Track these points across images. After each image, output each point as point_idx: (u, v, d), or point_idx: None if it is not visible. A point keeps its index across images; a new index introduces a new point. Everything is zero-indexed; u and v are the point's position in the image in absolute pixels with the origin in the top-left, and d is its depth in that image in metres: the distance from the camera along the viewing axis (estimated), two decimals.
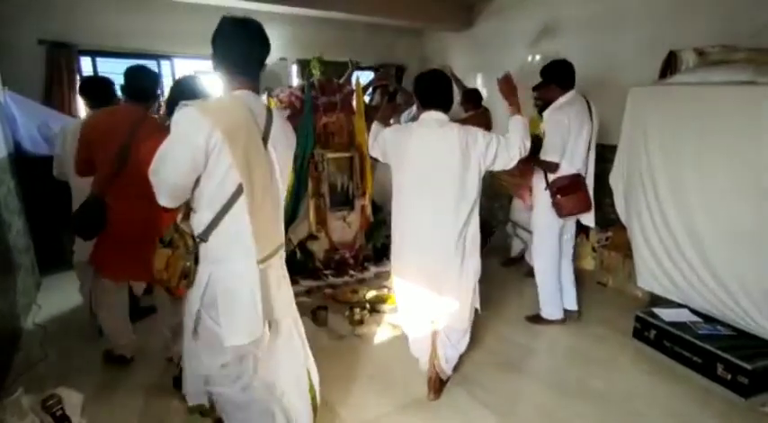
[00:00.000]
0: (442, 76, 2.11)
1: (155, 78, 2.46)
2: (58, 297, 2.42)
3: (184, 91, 1.97)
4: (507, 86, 2.25)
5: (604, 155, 3.11)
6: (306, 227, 3.77)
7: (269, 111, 1.53)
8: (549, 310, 3.03)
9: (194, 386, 1.67)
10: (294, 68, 5.58)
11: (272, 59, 5.32)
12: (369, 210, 3.97)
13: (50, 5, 4.19)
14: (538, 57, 4.84)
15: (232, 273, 1.45)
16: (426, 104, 2.09)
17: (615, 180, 3.09)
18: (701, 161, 2.45)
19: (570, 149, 2.75)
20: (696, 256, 2.54)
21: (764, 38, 2.77)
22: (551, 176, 2.81)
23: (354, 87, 3.89)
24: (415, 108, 5.29)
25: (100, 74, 4.71)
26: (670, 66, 3.40)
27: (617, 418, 2.18)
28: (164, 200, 1.42)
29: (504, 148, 2.07)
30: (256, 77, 1.51)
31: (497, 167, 2.12)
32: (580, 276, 3.85)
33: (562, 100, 2.76)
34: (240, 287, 1.45)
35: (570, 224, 3.03)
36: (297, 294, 3.41)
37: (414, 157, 2.03)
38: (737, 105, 2.28)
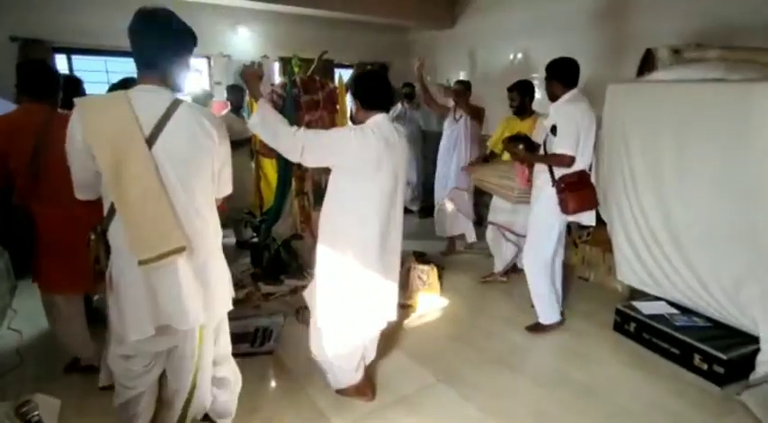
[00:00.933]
0: (385, 77, 2.13)
1: (50, 74, 2.23)
2: (35, 301, 2.36)
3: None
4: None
5: None
6: (289, 226, 3.75)
7: (172, 107, 1.42)
8: (548, 315, 2.94)
9: (106, 370, 1.72)
10: (276, 66, 5.53)
11: (254, 57, 5.33)
12: None
13: (23, 1, 4.07)
14: (520, 55, 4.90)
15: (119, 267, 1.47)
16: (373, 106, 2.01)
17: (595, 176, 3.13)
18: (678, 157, 2.50)
19: (581, 145, 2.68)
20: (674, 251, 2.60)
21: (735, 37, 2.84)
22: (558, 172, 2.71)
23: (337, 85, 3.87)
24: (399, 106, 5.28)
25: (75, 72, 4.62)
26: (647, 63, 3.47)
27: (600, 411, 2.22)
28: (76, 192, 1.50)
29: None
30: (166, 71, 1.45)
31: None
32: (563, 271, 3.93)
33: (567, 96, 2.71)
34: (125, 282, 1.46)
35: (564, 223, 2.89)
36: (282, 294, 3.47)
37: (387, 163, 1.95)
38: (711, 102, 2.34)
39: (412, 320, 3.14)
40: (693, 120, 2.41)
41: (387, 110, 2.07)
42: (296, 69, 3.82)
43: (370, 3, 4.86)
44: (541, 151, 2.83)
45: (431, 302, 3.35)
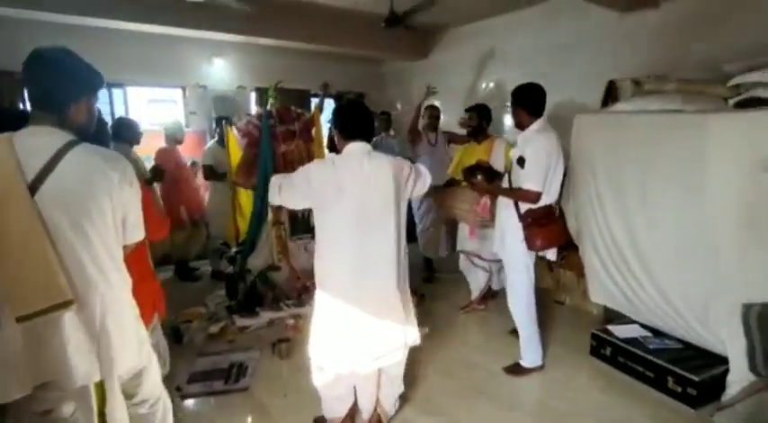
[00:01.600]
0: (364, 107, 2.16)
1: None
2: None
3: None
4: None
5: None
6: (265, 257, 3.71)
7: (64, 149, 1.33)
8: (531, 358, 2.79)
9: None
10: (253, 96, 5.57)
11: (230, 87, 5.37)
12: None
13: None
14: (492, 84, 5.06)
15: None
16: (351, 136, 2.01)
17: (566, 202, 3.22)
18: (642, 183, 2.60)
19: (549, 179, 2.54)
20: (644, 274, 2.67)
21: (690, 70, 3.02)
22: (523, 207, 2.58)
23: (314, 115, 3.92)
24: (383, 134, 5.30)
25: None
26: (610, 94, 3.64)
27: None
28: None
29: (420, 176, 2.14)
30: (61, 113, 1.38)
31: (415, 195, 2.17)
32: (537, 295, 3.97)
33: (536, 126, 2.59)
34: (2, 337, 1.31)
35: (533, 256, 2.76)
36: (258, 327, 3.39)
37: (350, 190, 1.92)
38: (671, 132, 2.46)
39: None
40: (654, 148, 2.52)
41: (367, 139, 2.04)
42: (272, 100, 3.86)
43: (345, 36, 4.98)
44: (505, 182, 2.74)
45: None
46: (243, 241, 3.84)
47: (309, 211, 3.78)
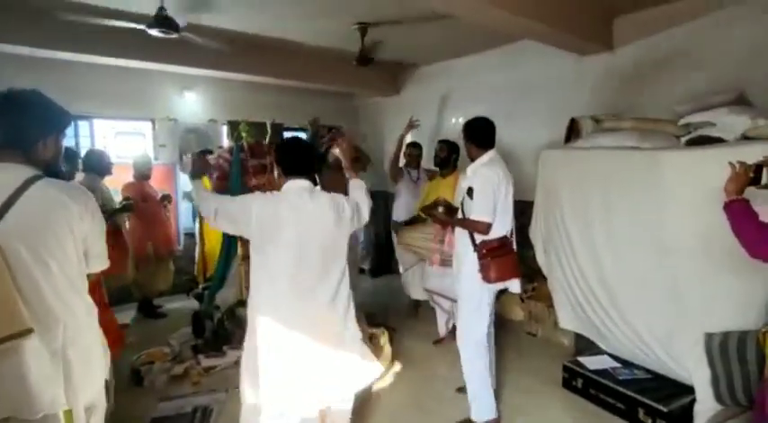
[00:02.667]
0: (307, 145, 2.19)
1: None
2: None
3: None
4: (347, 147, 2.34)
5: (525, 210, 3.32)
6: (234, 293, 3.61)
7: (27, 184, 1.39)
8: (483, 411, 2.58)
9: None
10: (224, 129, 5.55)
11: (202, 120, 5.34)
12: None
13: None
14: (460, 120, 5.22)
15: None
16: (291, 173, 2.02)
17: (534, 234, 3.30)
18: (605, 216, 2.69)
19: (500, 210, 2.53)
20: (610, 304, 2.73)
21: (645, 109, 3.20)
22: (478, 237, 2.55)
23: None
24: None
25: None
26: (573, 131, 3.81)
27: None
28: None
29: (360, 208, 2.14)
30: (28, 150, 1.44)
31: (357, 227, 2.17)
32: (510, 327, 3.99)
33: (485, 158, 2.61)
34: None
35: (492, 293, 2.64)
36: (224, 367, 3.25)
37: (290, 227, 1.90)
38: (629, 168, 2.58)
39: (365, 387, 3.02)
40: (615, 183, 2.63)
41: (308, 176, 2.03)
42: (243, 134, 3.86)
43: (317, 72, 5.08)
44: (459, 214, 2.71)
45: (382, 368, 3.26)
46: (210, 277, 3.74)
47: None
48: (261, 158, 3.72)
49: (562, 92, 4.07)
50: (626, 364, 2.83)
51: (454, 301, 3.27)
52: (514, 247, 2.67)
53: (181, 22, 3.15)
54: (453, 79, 5.18)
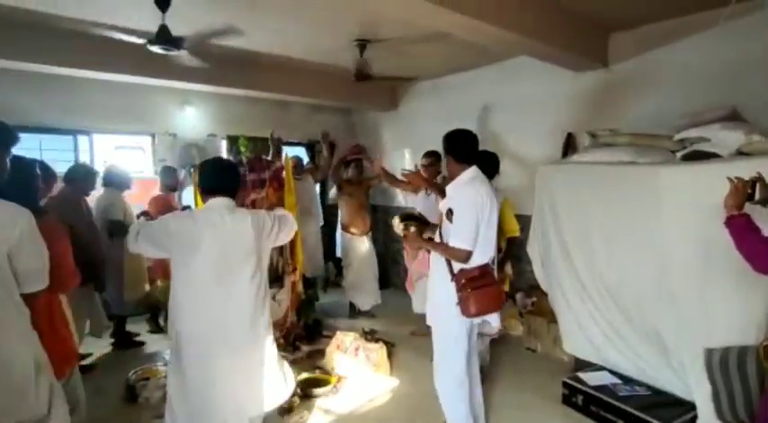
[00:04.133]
0: (229, 164, 2.20)
1: None
2: None
3: None
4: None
5: (522, 224, 3.33)
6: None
7: None
8: None
9: None
10: (224, 144, 5.58)
11: (201, 135, 5.37)
12: (300, 286, 3.88)
13: None
14: None
15: None
16: (212, 191, 2.04)
17: (532, 249, 3.30)
18: (601, 231, 2.70)
19: (483, 235, 2.25)
20: (609, 319, 2.72)
21: (640, 124, 3.23)
22: (456, 265, 2.27)
23: (284, 164, 3.95)
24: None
25: None
26: (569, 145, 3.84)
27: None
28: None
29: (285, 224, 2.20)
30: None
31: (280, 242, 2.24)
32: (509, 342, 3.96)
33: (466, 176, 2.33)
34: None
35: (472, 325, 2.39)
36: None
37: (208, 244, 1.92)
38: (626, 183, 2.60)
39: (360, 405, 2.99)
40: (611, 197, 2.65)
41: (229, 194, 2.05)
42: (242, 149, 3.88)
43: (316, 88, 5.12)
44: (437, 237, 2.42)
45: (379, 384, 3.23)
46: None
47: (278, 261, 3.77)
48: (260, 173, 3.74)
49: (558, 107, 4.11)
50: (626, 379, 2.80)
51: None
52: (495, 275, 2.39)
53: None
54: (451, 95, 5.23)
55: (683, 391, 2.49)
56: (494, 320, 2.41)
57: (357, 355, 3.32)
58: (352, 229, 4.69)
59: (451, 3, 2.50)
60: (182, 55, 3.38)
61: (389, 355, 3.47)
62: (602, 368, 2.93)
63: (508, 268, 3.32)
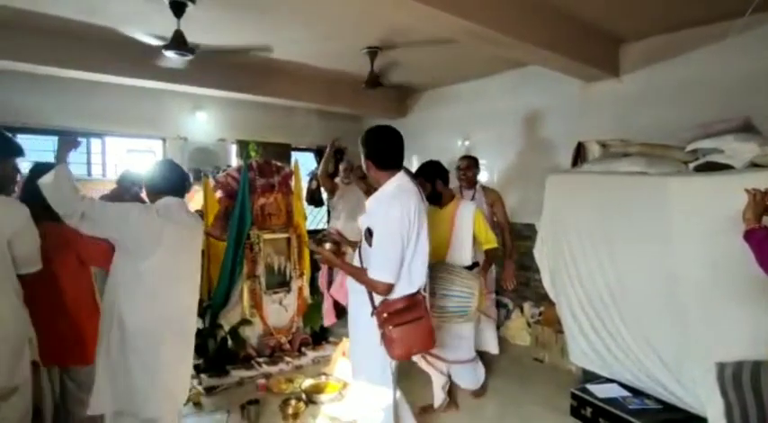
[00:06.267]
0: (176, 165, 2.26)
1: None
2: None
3: None
4: None
5: (532, 234, 3.30)
6: (238, 311, 3.59)
7: None
8: None
9: None
10: (233, 149, 5.62)
11: (212, 140, 5.42)
12: (306, 291, 3.88)
13: None
14: (467, 142, 5.26)
15: None
16: (161, 192, 2.10)
17: (541, 258, 3.27)
18: (611, 242, 2.67)
19: (409, 259, 1.89)
20: (617, 331, 2.68)
21: (651, 134, 3.21)
22: (378, 297, 1.93)
23: (293, 169, 3.97)
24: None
25: None
26: (579, 155, 3.82)
27: None
28: None
29: None
30: None
31: None
32: (516, 353, 3.92)
33: (392, 185, 1.94)
34: None
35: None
36: (226, 387, 3.21)
37: (167, 241, 1.98)
38: (637, 193, 2.57)
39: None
40: (622, 208, 2.62)
41: (181, 195, 2.16)
42: (252, 153, 3.91)
43: (326, 94, 5.16)
44: (356, 258, 2.06)
45: None
46: (214, 294, 3.72)
47: (285, 265, 3.78)
48: (269, 177, 3.76)
49: (568, 116, 4.11)
50: (636, 392, 2.76)
51: (450, 361, 2.82)
52: (428, 306, 2.06)
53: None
54: (460, 103, 5.24)
55: (693, 407, 2.45)
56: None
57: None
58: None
59: (463, 12, 2.52)
60: (194, 60, 3.42)
61: None
62: (611, 380, 2.89)
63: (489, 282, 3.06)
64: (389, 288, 1.87)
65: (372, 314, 1.93)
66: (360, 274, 1.94)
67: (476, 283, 2.60)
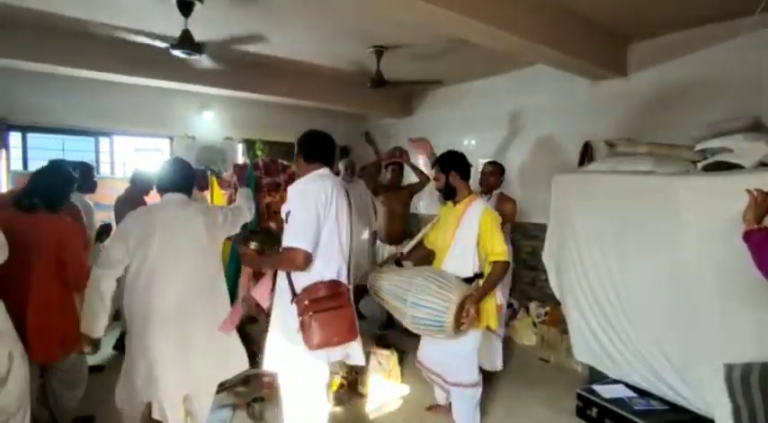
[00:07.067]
0: (184, 163, 2.30)
1: None
2: None
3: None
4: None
5: (539, 233, 3.29)
6: (244, 309, 3.60)
7: None
8: None
9: None
10: (240, 147, 5.65)
11: (219, 138, 5.45)
12: None
13: None
14: (473, 141, 5.25)
15: None
16: (168, 189, 2.21)
17: (548, 258, 3.25)
18: (618, 242, 2.66)
19: (327, 239, 1.89)
20: (624, 332, 2.67)
21: (659, 134, 3.19)
22: (298, 282, 1.88)
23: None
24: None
25: (30, 149, 4.54)
26: (587, 154, 3.80)
27: None
28: None
29: (238, 214, 2.45)
30: None
31: (235, 231, 2.45)
32: (521, 353, 3.91)
33: (314, 174, 2.03)
34: None
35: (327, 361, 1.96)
36: (232, 385, 3.22)
37: (161, 235, 2.08)
38: (645, 193, 2.56)
39: (369, 411, 2.97)
40: (629, 207, 2.60)
41: (181, 191, 2.22)
42: (259, 152, 3.92)
43: (332, 94, 5.18)
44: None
45: (390, 390, 3.20)
46: None
47: None
48: (275, 176, 3.77)
49: (576, 116, 4.09)
50: (642, 393, 2.74)
51: (455, 385, 2.52)
52: (351, 298, 1.99)
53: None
54: (466, 102, 5.23)
55: (700, 408, 2.43)
56: (355, 355, 2.03)
57: (368, 361, 3.31)
58: (383, 238, 4.44)
59: (470, 11, 2.51)
60: (202, 59, 3.44)
61: (400, 362, 3.45)
62: (616, 381, 2.87)
63: (499, 297, 2.56)
64: (306, 257, 1.83)
65: (292, 302, 1.87)
66: (278, 258, 1.98)
67: (456, 296, 2.21)
